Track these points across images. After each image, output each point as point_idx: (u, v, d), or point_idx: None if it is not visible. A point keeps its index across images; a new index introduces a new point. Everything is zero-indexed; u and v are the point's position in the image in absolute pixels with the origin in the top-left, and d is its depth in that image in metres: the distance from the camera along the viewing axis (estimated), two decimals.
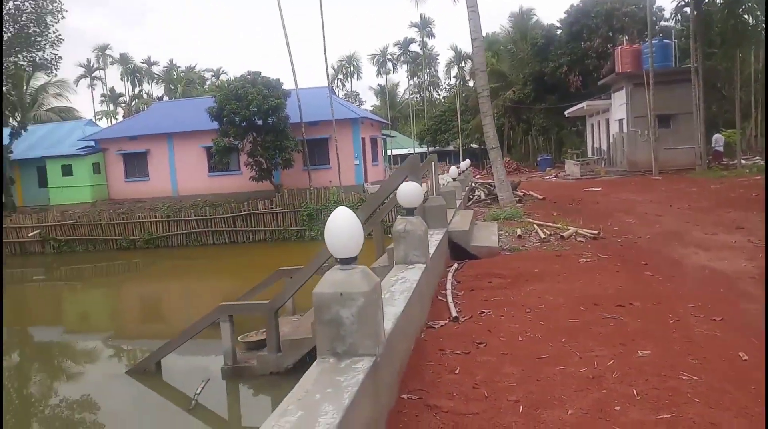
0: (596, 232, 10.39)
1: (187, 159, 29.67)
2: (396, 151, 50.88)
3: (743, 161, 25.41)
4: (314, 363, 3.68)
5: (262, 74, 26.18)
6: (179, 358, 10.87)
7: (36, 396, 10.84)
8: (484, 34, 46.20)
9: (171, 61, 62.29)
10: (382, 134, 35.83)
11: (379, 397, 3.67)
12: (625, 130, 27.34)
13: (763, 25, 27.05)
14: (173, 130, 29.67)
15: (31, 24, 28.30)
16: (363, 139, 29.29)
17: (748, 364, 4.43)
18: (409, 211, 6.65)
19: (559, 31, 37.92)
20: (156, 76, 61.22)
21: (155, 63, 61.63)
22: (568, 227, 10.77)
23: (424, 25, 57.80)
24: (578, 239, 10.12)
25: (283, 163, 26.05)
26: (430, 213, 8.98)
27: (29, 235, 26.70)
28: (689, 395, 3.94)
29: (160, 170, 29.96)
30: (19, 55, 28.87)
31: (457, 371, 4.66)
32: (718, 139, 27.22)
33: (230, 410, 9.43)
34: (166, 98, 53.01)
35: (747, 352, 4.65)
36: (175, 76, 60.55)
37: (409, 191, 6.53)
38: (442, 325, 5.93)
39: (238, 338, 10.58)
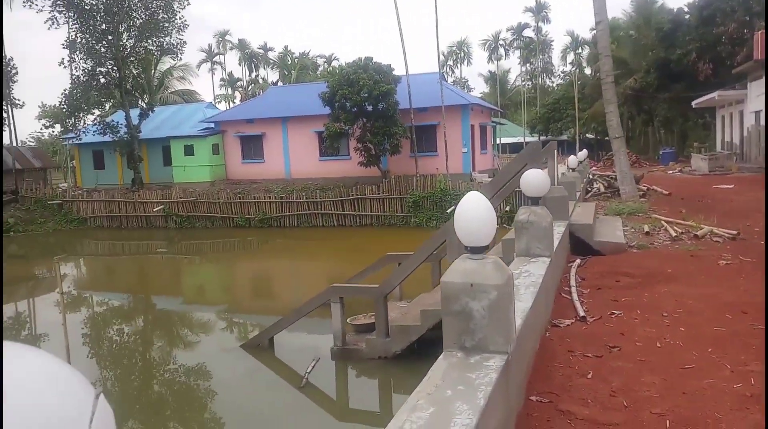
0: (735, 232, 9.42)
1: (299, 143, 30.47)
2: (505, 140, 49.63)
3: None
4: (441, 356, 3.48)
5: (374, 60, 26.26)
6: (291, 335, 11.11)
7: (157, 361, 11.51)
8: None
9: (286, 47, 64.30)
10: (492, 121, 34.96)
11: (509, 398, 3.41)
12: (762, 122, 24.87)
13: None
14: (287, 114, 30.53)
15: (160, 10, 30.13)
16: (472, 126, 28.69)
17: None
18: (534, 201, 6.27)
19: (687, 16, 35.12)
20: (271, 61, 63.41)
21: (271, 49, 63.90)
22: (702, 226, 9.86)
23: (539, 10, 55.67)
24: (714, 239, 9.23)
25: (391, 149, 26.06)
26: (551, 203, 8.47)
27: (154, 210, 28.58)
28: None
29: (275, 153, 30.99)
30: (148, 41, 30.86)
31: (589, 376, 4.30)
32: None
33: (338, 391, 9.52)
34: (280, 83, 54.86)
35: None
36: (289, 62, 62.41)
37: (535, 179, 6.15)
38: (568, 325, 5.54)
39: (347, 320, 10.64)
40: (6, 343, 0.63)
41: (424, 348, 9.74)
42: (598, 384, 4.15)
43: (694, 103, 32.01)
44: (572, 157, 14.00)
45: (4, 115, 33.29)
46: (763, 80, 24.89)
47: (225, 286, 18.47)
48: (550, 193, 8.87)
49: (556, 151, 11.84)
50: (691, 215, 11.42)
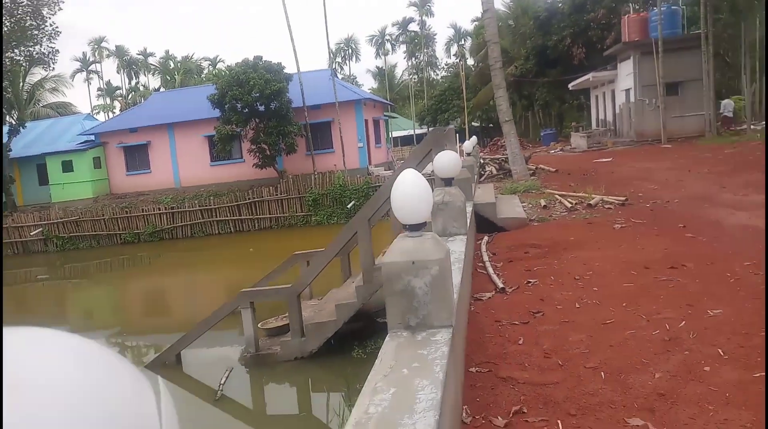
0: (623, 198, 10.12)
1: (188, 149, 29.25)
2: (396, 133, 50.42)
3: (752, 126, 25.12)
4: (387, 338, 3.43)
5: (264, 59, 25.73)
6: (199, 349, 10.63)
7: None
8: (481, 13, 45.49)
9: (167, 51, 61.42)
10: (384, 115, 35.39)
11: (456, 371, 3.43)
12: (632, 99, 26.98)
13: None
14: (173, 120, 29.20)
15: (28, 17, 27.61)
16: (366, 120, 28.86)
17: None
18: (447, 182, 6.38)
19: (561, 4, 37.36)
20: (153, 67, 60.32)
21: (151, 54, 60.73)
22: (593, 196, 10.51)
23: (423, 4, 56.92)
24: (606, 207, 9.86)
25: (286, 148, 25.65)
26: (458, 185, 8.70)
27: (31, 234, 26.35)
28: None
29: (162, 162, 29.55)
30: (15, 50, 28.29)
31: (521, 342, 4.42)
32: (728, 105, 26.86)
33: (255, 399, 9.22)
34: (163, 89, 52.37)
35: None
36: (172, 66, 59.72)
37: (448, 160, 6.25)
38: (489, 297, 5.69)
39: (258, 325, 10.34)
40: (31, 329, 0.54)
41: (341, 343, 9.68)
42: (530, 348, 4.27)
43: (570, 86, 34.09)
44: (467, 142, 14.41)
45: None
46: (630, 61, 26.99)
47: (116, 307, 17.27)
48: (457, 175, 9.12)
49: (453, 136, 12.15)
50: (580, 188, 12.14)
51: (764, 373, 3.43)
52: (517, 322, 4.84)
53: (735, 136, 22.93)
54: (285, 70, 25.87)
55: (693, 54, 24.49)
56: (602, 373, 3.72)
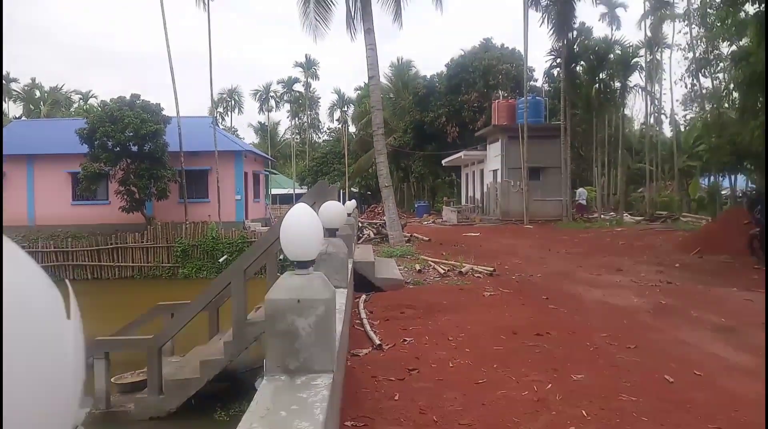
0: (492, 269, 10.65)
1: (48, 184, 27.00)
2: (276, 191, 50.06)
3: (602, 215, 27.79)
4: (263, 381, 3.26)
5: (141, 98, 24.77)
6: None
7: None
8: (364, 83, 47.07)
9: (33, 79, 57.23)
10: (265, 171, 35.07)
11: (335, 419, 3.31)
12: (499, 180, 28.92)
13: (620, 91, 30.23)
14: (34, 151, 26.97)
15: None
16: (245, 173, 28.41)
17: (677, 386, 4.59)
18: (331, 232, 6.36)
19: (438, 85, 39.85)
20: (15, 93, 55.73)
21: (15, 80, 56.16)
22: (464, 264, 10.96)
23: (309, 66, 58.15)
24: (476, 275, 10.30)
25: (157, 193, 24.47)
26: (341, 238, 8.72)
27: None
28: (635, 415, 3.97)
29: (16, 195, 26.94)
30: None
31: (396, 398, 4.39)
32: (582, 193, 29.58)
33: None
34: (24, 119, 48.36)
35: (671, 375, 4.82)
36: (38, 96, 55.56)
37: (333, 210, 6.27)
38: (366, 353, 5.65)
39: (111, 380, 9.45)
40: None
41: (203, 404, 9.08)
42: (406, 404, 4.25)
43: (444, 162, 35.98)
44: (348, 203, 14.60)
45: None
46: (498, 143, 29.09)
47: None
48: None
49: (336, 191, 12.25)
50: (452, 257, 12.62)
51: (764, 384, 3.64)
52: (393, 378, 4.82)
53: (587, 223, 25.18)
54: (163, 112, 25.04)
55: (553, 143, 26.90)
56: None
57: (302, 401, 2.87)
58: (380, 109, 16.07)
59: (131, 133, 23.13)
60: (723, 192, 26.23)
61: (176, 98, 26.06)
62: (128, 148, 23.56)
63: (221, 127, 57.66)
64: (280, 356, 3.30)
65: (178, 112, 25.98)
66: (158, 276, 23.54)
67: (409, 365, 5.17)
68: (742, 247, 11.83)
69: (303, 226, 3.40)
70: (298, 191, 50.11)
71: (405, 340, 6.03)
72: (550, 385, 4.58)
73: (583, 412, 4.03)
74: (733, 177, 24.40)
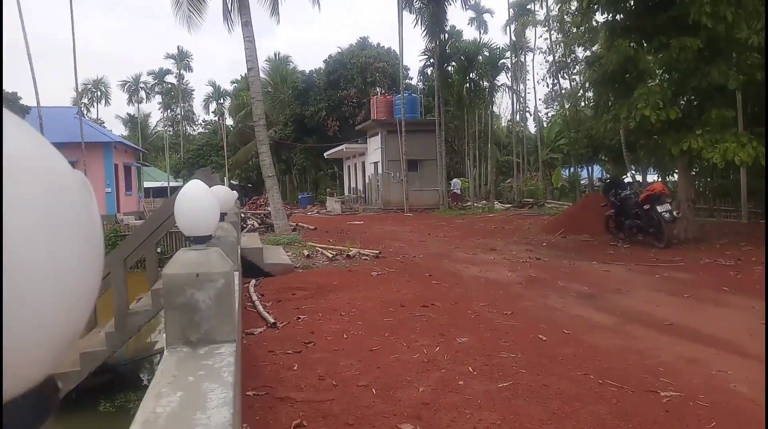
0: (377, 252, 10.98)
1: None
2: (149, 184, 47.61)
3: (475, 204, 29.34)
4: (165, 353, 3.24)
5: None
6: None
7: None
8: (244, 75, 46.08)
9: None
10: (137, 163, 33.28)
11: (238, 386, 3.37)
12: (380, 171, 29.57)
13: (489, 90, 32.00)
14: None
15: None
16: (116, 165, 26.86)
17: (549, 343, 5.09)
18: (221, 217, 6.29)
19: (317, 80, 39.87)
20: None
21: None
22: (351, 248, 11.20)
23: (182, 58, 55.71)
24: (363, 258, 10.58)
25: None
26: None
27: None
28: (515, 368, 4.37)
29: None
30: None
31: (295, 368, 4.51)
32: (456, 183, 30.98)
33: None
34: None
35: (543, 334, 5.33)
36: None
37: (222, 193, 6.20)
38: (261, 331, 5.70)
39: None
40: None
41: (84, 398, 8.61)
42: (305, 372, 4.38)
43: (326, 154, 36.14)
44: (230, 191, 14.31)
45: None
46: (378, 137, 29.72)
47: None
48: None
49: (218, 178, 12.00)
50: (338, 243, 12.82)
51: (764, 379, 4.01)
52: (290, 351, 4.92)
53: (462, 210, 26.48)
54: (21, 101, 23.06)
55: (429, 137, 27.97)
56: (373, 390, 3.98)
57: (208, 367, 2.91)
58: (260, 99, 15.87)
59: None
60: (582, 181, 28.68)
61: (36, 86, 24.02)
62: None
63: (87, 118, 53.83)
64: (180, 329, 3.30)
65: (38, 102, 23.97)
66: None
67: (305, 339, 5.29)
68: (600, 227, 13.06)
69: (200, 200, 3.42)
70: (173, 184, 48.03)
71: (299, 318, 6.13)
72: (438, 348, 4.90)
73: (470, 368, 4.37)
74: (590, 167, 26.78)
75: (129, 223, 24.71)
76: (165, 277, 3.34)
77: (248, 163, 42.50)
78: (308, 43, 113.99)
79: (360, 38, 40.38)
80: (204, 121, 63.52)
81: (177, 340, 3.29)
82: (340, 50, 39.61)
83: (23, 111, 22.52)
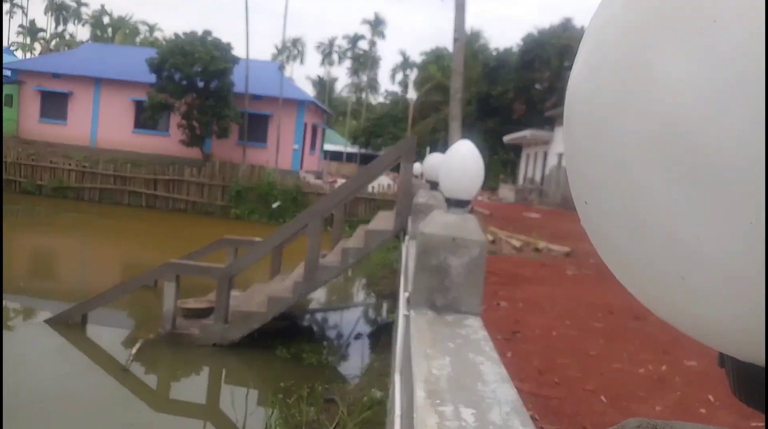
0: (568, 249, 10.36)
1: (113, 109, 27.48)
2: (327, 146, 50.16)
3: None
4: (411, 312, 3.14)
5: (213, 35, 24.79)
6: (106, 315, 9.72)
7: None
8: (433, 48, 46.16)
9: (102, 6, 57.94)
10: (323, 124, 35.04)
11: None
12: (563, 164, 28.23)
13: None
14: (103, 75, 27.40)
15: None
16: (305, 124, 28.42)
17: None
18: (434, 186, 6.20)
19: (510, 58, 38.84)
20: (85, 18, 56.63)
21: (85, 4, 56.92)
22: (539, 241, 10.70)
23: (377, 25, 57.41)
24: (552, 254, 10.05)
25: (218, 131, 24.66)
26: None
27: None
28: None
29: (81, 116, 27.55)
30: None
31: (508, 355, 4.25)
32: None
33: (160, 379, 8.47)
34: (91, 42, 49.20)
35: None
36: (107, 22, 56.38)
37: (437, 162, 6.08)
38: None
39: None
40: None
41: (263, 340, 9.16)
42: (521, 362, 4.11)
43: (505, 138, 35.29)
44: (417, 163, 14.38)
45: None
46: None
47: None
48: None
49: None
50: (518, 233, 12.36)
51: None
52: (499, 337, 4.67)
53: None
54: (233, 52, 25.04)
55: None
56: (602, 397, 3.61)
57: (464, 337, 2.75)
58: (461, 72, 15.70)
59: (200, 69, 23.25)
60: None
61: (248, 39, 26.06)
62: (195, 83, 23.73)
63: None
64: (427, 291, 3.18)
65: (248, 53, 25.95)
66: (210, 213, 23.86)
67: (511, 328, 5.02)
68: None
69: (462, 165, 3.25)
70: (349, 150, 49.98)
71: (499, 304, 5.88)
72: (664, 367, 4.38)
73: (710, 396, 3.82)
74: None
75: (309, 181, 26.11)
76: (421, 235, 3.22)
77: (424, 138, 42.94)
78: (501, 19, 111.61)
79: (564, 19, 38.51)
80: (386, 91, 65.26)
81: (423, 301, 3.17)
82: (537, 30, 38.13)
83: (233, 61, 24.42)
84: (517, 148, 38.54)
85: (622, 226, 0.40)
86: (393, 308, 11.41)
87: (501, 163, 44.36)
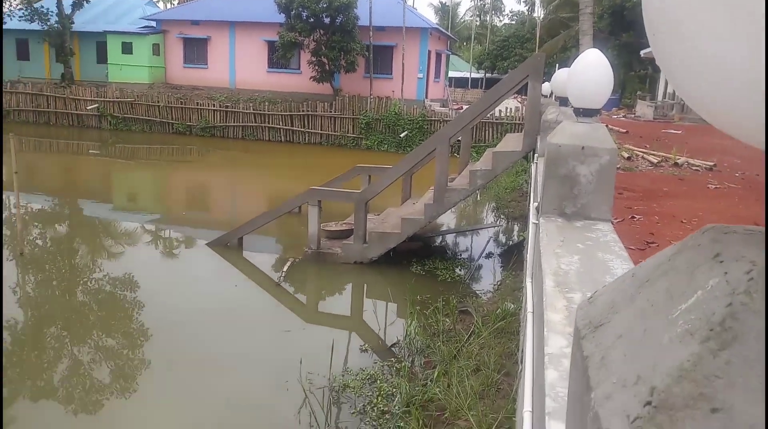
0: (712, 163, 9.77)
1: (247, 51, 28.94)
2: (452, 74, 49.37)
3: None
4: (541, 219, 3.34)
5: None
6: (258, 238, 10.79)
7: (86, 267, 10.68)
8: None
9: None
10: (447, 51, 34.46)
11: None
12: None
13: None
14: (236, 18, 28.79)
15: None
16: (429, 52, 28.17)
17: None
18: (563, 101, 6.15)
19: None
20: None
21: None
22: (678, 156, 10.16)
23: None
24: (693, 168, 9.54)
25: (346, 65, 25.22)
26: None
27: (88, 108, 26.66)
28: None
29: (220, 59, 29.35)
30: None
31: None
32: None
33: (309, 294, 9.35)
34: None
35: None
36: None
37: (564, 76, 5.99)
38: None
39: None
40: None
41: (399, 259, 9.73)
42: None
43: (642, 52, 32.66)
44: (546, 83, 13.93)
45: None
46: None
47: (159, 194, 17.34)
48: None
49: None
50: (657, 150, 11.73)
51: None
52: (633, 247, 4.71)
53: None
54: None
55: None
56: None
57: (593, 239, 2.91)
58: None
59: (325, 5, 23.65)
60: None
61: None
62: (321, 20, 24.23)
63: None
64: (557, 199, 3.34)
65: None
66: (343, 145, 24.82)
67: (645, 238, 5.02)
68: None
69: (592, 74, 3.29)
70: (474, 75, 48.89)
71: (633, 217, 5.83)
72: None
73: None
74: None
75: (435, 109, 26.10)
76: (549, 146, 3.36)
77: (553, 56, 40.86)
78: None
79: None
80: (511, 11, 62.29)
81: (552, 209, 3.35)
82: None
83: None
84: (655, 62, 35.52)
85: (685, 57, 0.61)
86: (524, 229, 11.50)
87: (638, 78, 41.29)
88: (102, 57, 30.39)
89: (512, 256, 9.71)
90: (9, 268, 9.24)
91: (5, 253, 9.78)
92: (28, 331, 7.43)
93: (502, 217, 14.06)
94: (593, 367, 0.51)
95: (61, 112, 27.10)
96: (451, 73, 50.09)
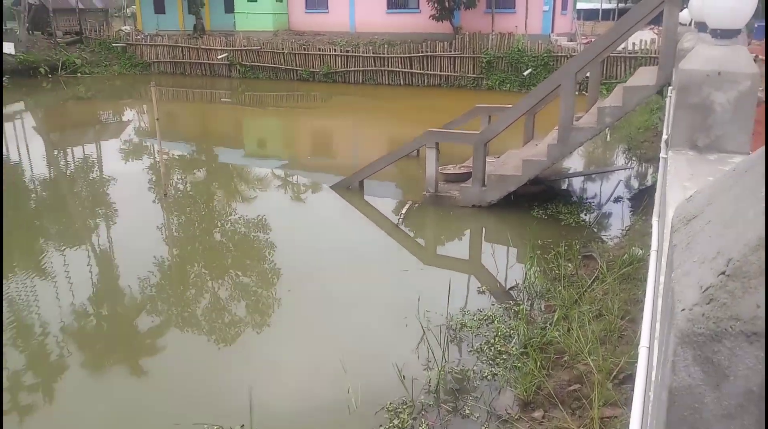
0: None
1: None
2: (580, 5, 46.19)
3: None
4: (670, 153, 3.14)
5: None
6: (378, 182, 11.02)
7: (225, 209, 11.42)
8: None
9: None
10: None
11: None
12: None
13: None
14: None
15: None
16: None
17: None
18: (701, 27, 5.61)
19: None
20: None
21: None
22: None
23: None
24: None
25: (466, 1, 24.43)
26: None
27: (218, 57, 28.07)
28: None
29: (339, 3, 29.49)
30: None
31: None
32: None
33: (427, 237, 9.45)
34: None
35: None
36: None
37: None
38: None
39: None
40: None
41: (519, 202, 9.52)
42: None
43: None
44: (685, 11, 12.68)
45: None
46: None
47: (287, 141, 18.01)
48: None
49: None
50: None
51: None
52: None
53: None
54: None
55: None
56: None
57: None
58: None
59: None
60: None
61: None
62: None
63: None
64: (688, 131, 3.11)
65: None
66: (463, 86, 24.33)
67: None
68: None
69: None
70: (606, 6, 45.45)
71: None
72: None
73: None
74: None
75: (561, 44, 24.71)
76: (680, 72, 3.11)
77: None
78: None
79: None
80: None
81: (683, 142, 3.13)
82: None
83: None
84: None
85: None
86: (656, 171, 10.79)
87: None
88: (229, 6, 31.62)
89: (643, 199, 9.18)
90: (155, 209, 10.25)
91: (152, 195, 10.84)
92: (174, 267, 8.23)
93: (633, 158, 13.27)
94: (678, 252, 0.51)
95: (195, 62, 28.77)
96: (580, 4, 46.88)
